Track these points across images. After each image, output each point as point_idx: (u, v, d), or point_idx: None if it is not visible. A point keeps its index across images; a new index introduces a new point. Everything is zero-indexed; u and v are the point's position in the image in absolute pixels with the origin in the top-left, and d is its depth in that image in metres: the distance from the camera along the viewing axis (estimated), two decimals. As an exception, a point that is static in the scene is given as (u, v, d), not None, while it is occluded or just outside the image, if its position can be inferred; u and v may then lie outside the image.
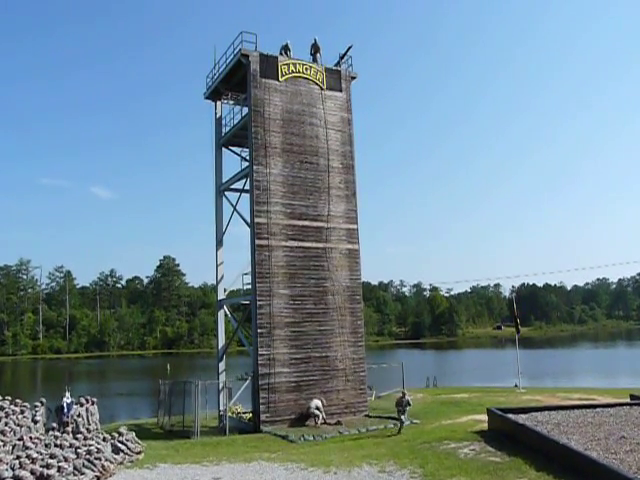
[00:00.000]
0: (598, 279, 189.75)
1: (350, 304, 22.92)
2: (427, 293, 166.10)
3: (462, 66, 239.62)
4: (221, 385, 23.81)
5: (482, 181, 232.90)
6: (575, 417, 15.30)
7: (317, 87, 23.85)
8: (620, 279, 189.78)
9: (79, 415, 17.54)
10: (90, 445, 13.23)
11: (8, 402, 16.72)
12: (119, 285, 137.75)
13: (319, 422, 20.25)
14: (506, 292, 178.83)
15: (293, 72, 23.41)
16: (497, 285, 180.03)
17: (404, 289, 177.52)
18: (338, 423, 20.41)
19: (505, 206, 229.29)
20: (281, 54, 23.83)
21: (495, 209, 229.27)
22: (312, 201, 22.83)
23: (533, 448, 12.51)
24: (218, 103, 26.61)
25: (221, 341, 25.53)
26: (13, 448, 13.19)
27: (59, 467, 11.54)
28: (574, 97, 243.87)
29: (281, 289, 21.51)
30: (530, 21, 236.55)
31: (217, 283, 25.58)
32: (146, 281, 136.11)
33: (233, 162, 26.97)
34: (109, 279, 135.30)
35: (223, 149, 26.23)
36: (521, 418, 14.83)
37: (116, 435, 15.20)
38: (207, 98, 26.59)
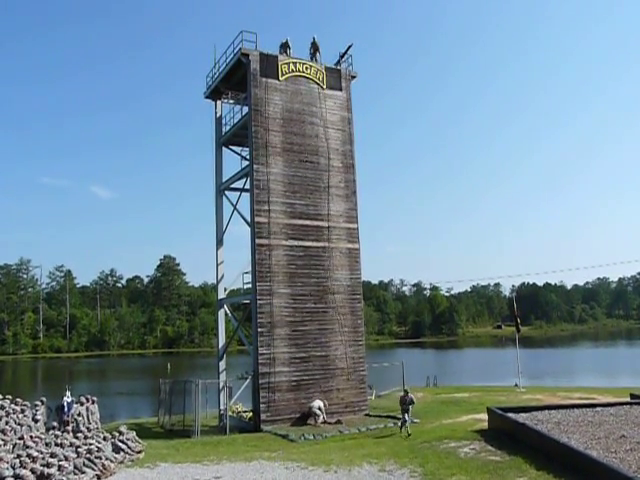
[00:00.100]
0: (598, 278, 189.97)
1: (350, 303, 22.93)
2: (427, 292, 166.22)
3: (462, 66, 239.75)
4: (221, 384, 23.83)
5: (482, 180, 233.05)
6: (575, 416, 15.31)
7: (317, 86, 23.84)
8: (620, 278, 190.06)
9: (79, 414, 17.57)
10: (90, 444, 13.24)
11: (9, 401, 16.74)
12: (119, 284, 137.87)
13: (319, 422, 20.26)
14: (506, 291, 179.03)
15: (293, 71, 23.40)
16: (497, 284, 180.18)
17: (404, 288, 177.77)
18: (338, 422, 20.42)
19: (505, 205, 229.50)
20: (281, 52, 23.83)
21: (495, 208, 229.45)
22: (312, 200, 22.83)
23: (533, 447, 12.51)
24: (218, 102, 26.61)
25: (221, 340, 25.54)
26: (14, 447, 13.20)
27: (60, 466, 11.54)
28: (574, 97, 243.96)
29: (281, 288, 21.51)
30: (530, 21, 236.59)
31: (217, 282, 25.59)
32: (146, 280, 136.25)
33: (233, 161, 27.02)
34: (109, 278, 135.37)
35: (223, 148, 26.23)
36: (521, 417, 14.83)
37: (116, 434, 15.20)
38: (207, 97, 26.59)
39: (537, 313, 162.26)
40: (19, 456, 11.80)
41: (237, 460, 14.22)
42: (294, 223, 22.29)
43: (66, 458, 12.08)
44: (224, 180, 25.72)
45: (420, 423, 18.83)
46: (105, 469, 12.60)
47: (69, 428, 15.64)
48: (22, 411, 16.30)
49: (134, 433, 16.44)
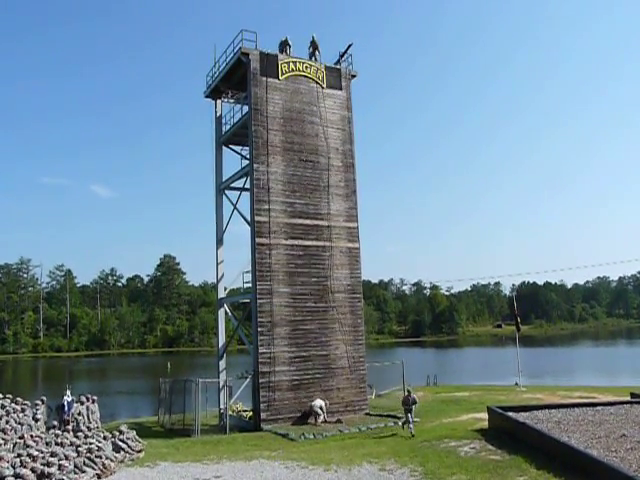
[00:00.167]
0: (598, 277, 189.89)
1: (350, 302, 22.92)
2: (427, 291, 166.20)
3: (462, 65, 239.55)
4: (221, 383, 23.83)
5: (482, 179, 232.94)
6: (575, 415, 15.31)
7: (317, 85, 23.83)
8: (620, 277, 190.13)
9: (80, 413, 17.59)
10: (91, 443, 13.24)
11: (9, 400, 16.76)
12: (119, 284, 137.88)
13: (319, 421, 20.27)
14: (506, 290, 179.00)
15: (293, 70, 23.38)
16: (497, 283, 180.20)
17: (404, 287, 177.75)
18: (338, 421, 20.42)
19: (505, 204, 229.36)
20: (281, 51, 23.81)
21: (495, 207, 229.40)
22: (312, 199, 22.82)
23: (533, 446, 12.51)
24: (218, 102, 26.59)
25: (221, 339, 25.55)
26: (14, 446, 13.21)
27: (60, 465, 11.54)
28: (574, 97, 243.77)
29: (281, 287, 21.51)
30: (530, 21, 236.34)
31: (217, 282, 25.59)
32: (146, 280, 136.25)
33: (233, 161, 27.01)
34: (109, 278, 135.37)
35: (223, 148, 26.21)
36: (521, 416, 14.82)
37: (117, 433, 15.20)
38: (207, 97, 26.57)
39: (537, 312, 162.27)
40: (19, 455, 11.81)
41: (237, 459, 14.22)
42: (294, 222, 22.28)
43: (66, 457, 12.08)
44: (224, 179, 25.72)
45: (420, 422, 18.81)
46: (105, 468, 12.60)
47: (69, 427, 15.64)
48: (22, 410, 16.31)
49: (134, 432, 16.45)
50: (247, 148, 23.88)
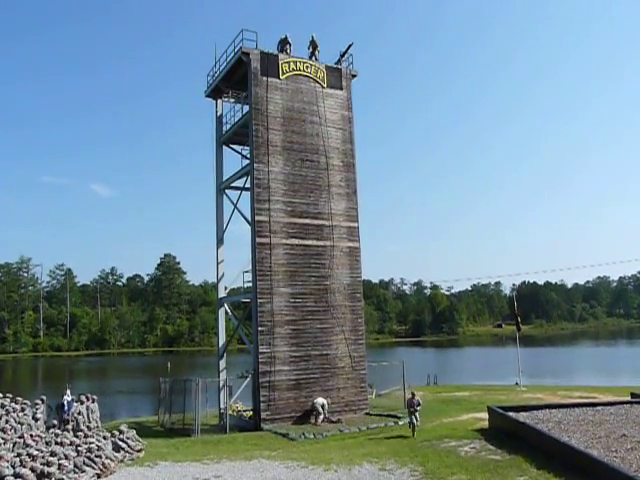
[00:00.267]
0: (599, 277, 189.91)
1: (351, 302, 22.91)
2: (428, 291, 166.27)
3: (462, 65, 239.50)
4: (222, 383, 23.82)
5: (483, 179, 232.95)
6: (576, 415, 15.30)
7: (318, 85, 23.81)
8: (621, 277, 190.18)
9: (79, 413, 17.57)
10: (91, 443, 13.23)
11: (9, 400, 16.75)
12: (120, 283, 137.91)
13: (319, 420, 20.26)
14: (507, 290, 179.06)
15: (294, 70, 23.36)
16: (498, 283, 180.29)
17: (405, 287, 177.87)
18: (338, 421, 20.41)
19: (505, 204, 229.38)
20: (281, 50, 23.79)
21: (496, 207, 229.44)
22: (313, 199, 22.81)
23: (534, 446, 12.50)
24: (219, 101, 26.57)
25: (222, 339, 25.54)
26: (14, 446, 13.19)
27: (60, 465, 11.54)
28: (574, 96, 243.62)
29: (282, 287, 21.50)
30: (530, 20, 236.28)
31: (218, 281, 25.58)
32: (147, 279, 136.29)
33: (234, 160, 27.00)
34: (110, 277, 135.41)
35: (224, 147, 26.20)
36: (522, 416, 14.82)
37: (117, 433, 15.19)
38: (208, 96, 26.55)
39: (537, 312, 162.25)
40: (19, 455, 11.80)
41: (237, 459, 14.21)
42: (294, 222, 22.27)
43: (66, 457, 12.08)
44: (225, 179, 25.70)
45: (420, 422, 18.80)
46: (105, 468, 12.59)
47: (69, 427, 15.63)
48: (22, 410, 16.31)
49: (134, 432, 16.42)
50: (248, 148, 23.86)
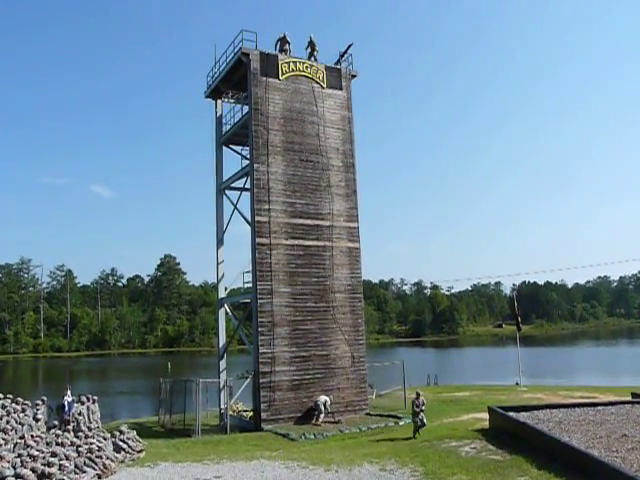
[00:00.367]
0: (599, 277, 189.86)
1: (351, 302, 22.91)
2: (428, 291, 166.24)
3: (462, 65, 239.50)
4: (222, 383, 23.82)
5: (483, 179, 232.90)
6: (576, 415, 15.29)
7: (317, 85, 23.82)
8: (621, 277, 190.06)
9: (80, 413, 17.58)
10: (91, 443, 13.22)
11: (10, 400, 16.75)
12: (120, 284, 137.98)
13: (320, 419, 20.27)
14: (507, 290, 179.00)
15: (293, 70, 23.37)
16: (498, 283, 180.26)
17: (405, 287, 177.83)
18: (338, 422, 20.41)
19: (506, 204, 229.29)
20: (281, 50, 23.80)
21: (496, 207, 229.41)
22: (313, 199, 22.82)
23: (534, 446, 12.48)
24: (218, 102, 26.59)
25: (222, 339, 25.54)
26: (15, 446, 13.20)
27: (60, 465, 11.54)
28: (574, 96, 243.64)
29: (282, 287, 21.50)
30: (530, 21, 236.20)
31: (218, 282, 25.58)
32: (147, 280, 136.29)
33: (233, 161, 27.01)
34: (110, 278, 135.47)
35: (223, 148, 26.21)
36: (522, 416, 14.80)
37: (117, 433, 15.19)
38: (207, 97, 26.57)
39: (538, 312, 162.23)
40: (20, 455, 11.81)
41: (238, 459, 14.21)
42: (294, 222, 22.27)
43: (67, 457, 12.08)
44: (224, 179, 25.71)
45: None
46: (106, 468, 12.59)
47: (70, 427, 15.63)
48: (23, 410, 16.31)
49: (135, 432, 16.43)
50: (247, 148, 23.87)
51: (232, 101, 26.55)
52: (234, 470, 12.94)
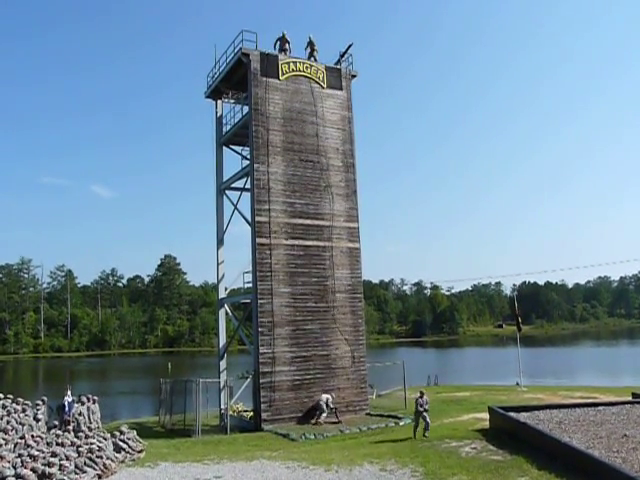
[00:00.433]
0: (599, 277, 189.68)
1: (351, 302, 22.91)
2: (428, 291, 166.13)
3: (462, 65, 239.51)
4: (222, 384, 23.82)
5: (483, 179, 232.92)
6: (577, 415, 15.29)
7: (317, 85, 23.82)
8: (622, 277, 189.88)
9: (80, 414, 17.57)
10: (91, 443, 13.22)
11: (10, 400, 16.75)
12: (120, 284, 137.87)
13: (322, 418, 20.26)
14: (507, 290, 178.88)
15: (293, 71, 23.37)
16: (498, 283, 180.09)
17: (405, 287, 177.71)
18: (339, 422, 20.40)
19: (506, 204, 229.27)
20: (281, 49, 23.80)
21: (496, 207, 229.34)
22: (313, 199, 22.81)
23: (535, 447, 12.48)
24: (219, 102, 26.60)
25: (222, 340, 25.55)
26: (15, 446, 13.19)
27: (61, 465, 11.54)
28: (575, 96, 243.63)
29: (282, 288, 21.50)
30: (530, 21, 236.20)
31: (218, 282, 25.59)
32: (147, 280, 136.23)
33: (234, 161, 27.01)
34: (110, 278, 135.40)
35: (224, 148, 26.22)
36: (522, 416, 14.80)
37: (117, 434, 15.19)
38: (208, 97, 26.58)
39: (538, 312, 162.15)
40: (20, 455, 11.81)
41: (238, 459, 14.21)
42: (295, 222, 22.27)
43: (67, 457, 12.08)
44: (225, 179, 25.72)
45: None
46: (106, 468, 12.59)
47: (70, 427, 15.64)
48: (23, 410, 16.31)
49: (135, 432, 16.43)
50: (247, 148, 23.87)
51: (232, 101, 26.55)
52: (234, 470, 12.94)
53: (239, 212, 24.49)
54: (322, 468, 12.72)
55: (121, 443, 14.72)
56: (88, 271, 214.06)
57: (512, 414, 14.96)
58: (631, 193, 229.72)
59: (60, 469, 11.44)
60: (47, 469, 11.16)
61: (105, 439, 14.56)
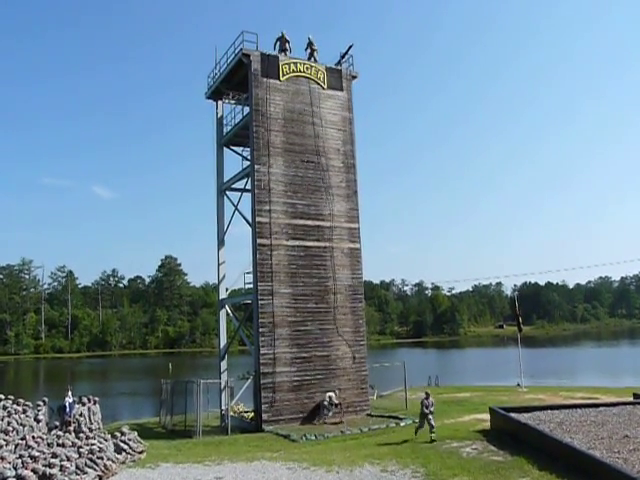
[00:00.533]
0: (600, 277, 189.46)
1: (352, 303, 22.90)
2: (429, 292, 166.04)
3: (462, 66, 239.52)
4: (223, 384, 23.81)
5: (484, 180, 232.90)
6: (578, 416, 15.27)
7: (318, 86, 23.83)
8: (622, 277, 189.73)
9: (81, 414, 17.58)
10: (92, 444, 13.24)
11: (11, 401, 16.76)
12: (121, 285, 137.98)
13: (329, 415, 20.26)
14: (508, 291, 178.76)
15: (294, 71, 23.38)
16: (499, 284, 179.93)
17: (406, 288, 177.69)
18: (340, 422, 20.39)
19: (507, 205, 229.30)
20: (281, 50, 23.81)
21: (497, 208, 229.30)
22: (313, 200, 22.81)
23: (536, 447, 12.48)
24: (219, 103, 26.61)
25: (223, 340, 25.55)
26: (16, 447, 13.20)
27: (61, 466, 11.55)
28: (575, 96, 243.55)
29: (282, 288, 21.50)
30: (531, 21, 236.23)
31: (219, 282, 25.59)
32: (148, 280, 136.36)
33: (234, 162, 27.03)
34: (111, 279, 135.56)
35: (224, 149, 26.23)
36: (523, 417, 14.79)
37: (118, 434, 15.20)
38: (208, 98, 26.59)
39: (539, 312, 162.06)
40: (21, 456, 11.82)
41: (239, 460, 14.21)
42: (295, 223, 22.27)
43: (68, 458, 12.09)
44: (225, 180, 25.72)
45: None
46: (107, 469, 12.60)
47: (71, 428, 15.67)
48: (24, 411, 16.32)
49: (136, 433, 16.44)
50: (248, 149, 23.88)
51: (233, 102, 26.57)
52: (235, 471, 12.94)
53: (240, 213, 24.52)
54: (323, 469, 12.72)
55: (122, 444, 14.73)
56: (89, 272, 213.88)
57: (513, 415, 14.95)
58: (632, 193, 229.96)
59: (61, 470, 11.45)
60: (48, 470, 11.17)
61: (106, 440, 14.57)
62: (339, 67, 24.72)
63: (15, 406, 16.44)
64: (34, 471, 11.01)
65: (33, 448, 12.51)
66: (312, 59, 24.39)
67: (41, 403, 17.30)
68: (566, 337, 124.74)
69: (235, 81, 24.84)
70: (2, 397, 16.81)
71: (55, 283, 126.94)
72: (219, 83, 25.21)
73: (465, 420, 18.52)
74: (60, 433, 14.65)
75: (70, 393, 18.77)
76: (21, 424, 15.39)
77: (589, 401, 19.63)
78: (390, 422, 19.89)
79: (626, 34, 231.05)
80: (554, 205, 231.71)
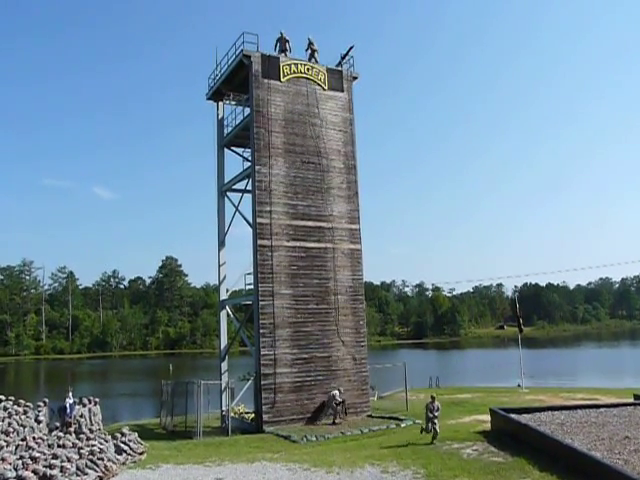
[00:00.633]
0: (601, 278, 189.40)
1: (352, 304, 22.91)
2: (429, 293, 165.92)
3: (463, 66, 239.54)
4: (223, 385, 23.83)
5: (484, 181, 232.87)
6: (578, 417, 15.26)
7: (319, 87, 23.85)
8: (623, 278, 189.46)
9: (82, 415, 17.58)
10: (93, 445, 13.23)
11: (11, 402, 16.75)
12: (121, 286, 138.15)
13: (340, 410, 20.28)
14: (508, 292, 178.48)
15: (295, 72, 23.41)
16: (499, 285, 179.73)
17: (406, 289, 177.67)
18: (340, 423, 20.40)
19: (508, 205, 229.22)
20: (281, 50, 23.84)
21: (498, 209, 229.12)
22: (314, 201, 22.83)
23: (536, 448, 12.47)
24: (220, 104, 26.64)
25: (223, 341, 25.55)
26: (16, 448, 13.21)
27: (62, 467, 11.55)
28: (576, 97, 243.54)
29: (283, 289, 21.51)
30: (531, 22, 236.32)
31: (219, 283, 25.60)
32: (148, 281, 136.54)
33: (235, 163, 27.04)
34: (111, 280, 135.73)
35: (225, 150, 26.25)
36: (524, 418, 14.79)
37: (119, 435, 15.20)
38: (209, 99, 26.62)
39: (539, 313, 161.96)
40: (22, 457, 11.82)
41: (239, 461, 14.21)
42: (296, 224, 22.28)
43: (68, 459, 12.09)
44: (226, 181, 25.74)
45: (422, 424, 18.75)
46: (107, 470, 12.60)
47: (71, 429, 15.68)
48: (25, 412, 16.31)
49: (136, 434, 16.43)
50: (249, 150, 23.89)
51: (233, 103, 26.59)
52: (235, 472, 12.94)
53: (240, 214, 24.52)
54: (323, 470, 12.72)
55: (122, 445, 14.73)
56: (89, 273, 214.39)
57: (514, 416, 14.95)
58: (632, 194, 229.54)
59: (61, 471, 11.46)
60: (48, 471, 11.18)
61: (106, 441, 14.56)
62: (340, 68, 24.74)
63: (16, 407, 16.42)
64: (35, 472, 11.01)
65: (34, 449, 12.51)
66: (312, 60, 24.41)
67: (42, 404, 17.29)
68: (566, 338, 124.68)
69: (236, 82, 24.87)
70: (3, 398, 16.80)
71: (56, 284, 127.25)
72: (220, 84, 25.24)
73: (466, 421, 18.52)
74: (61, 434, 14.65)
75: (71, 394, 18.77)
76: (22, 425, 15.38)
77: (590, 402, 19.63)
78: (391, 423, 19.89)
79: (626, 34, 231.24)
80: (554, 206, 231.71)
